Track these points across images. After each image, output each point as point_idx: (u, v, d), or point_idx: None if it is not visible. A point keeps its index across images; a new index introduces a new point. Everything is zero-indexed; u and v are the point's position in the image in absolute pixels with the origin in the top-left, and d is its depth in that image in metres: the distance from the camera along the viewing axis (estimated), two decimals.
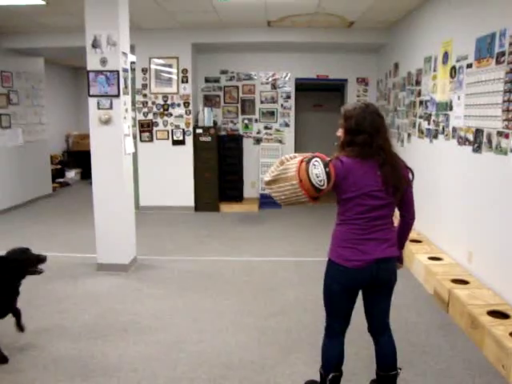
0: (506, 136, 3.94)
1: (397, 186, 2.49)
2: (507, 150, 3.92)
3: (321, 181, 2.36)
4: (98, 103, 5.02)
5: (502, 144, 4.00)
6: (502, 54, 4.00)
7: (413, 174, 2.61)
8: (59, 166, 11.33)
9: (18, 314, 3.53)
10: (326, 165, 2.38)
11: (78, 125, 12.65)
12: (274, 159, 8.59)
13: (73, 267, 5.32)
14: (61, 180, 11.13)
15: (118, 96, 4.99)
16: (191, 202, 8.26)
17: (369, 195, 2.46)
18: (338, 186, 2.47)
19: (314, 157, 2.42)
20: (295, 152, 8.91)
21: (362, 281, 2.56)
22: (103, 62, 4.97)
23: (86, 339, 3.67)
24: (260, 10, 6.54)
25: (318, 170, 2.36)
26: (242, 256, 5.79)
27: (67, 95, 12.39)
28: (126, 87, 5.17)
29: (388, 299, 2.70)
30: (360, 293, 2.66)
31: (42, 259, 3.46)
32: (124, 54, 5.10)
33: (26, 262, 3.38)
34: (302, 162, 2.40)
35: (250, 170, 8.91)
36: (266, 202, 8.55)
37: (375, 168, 2.47)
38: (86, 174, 11.95)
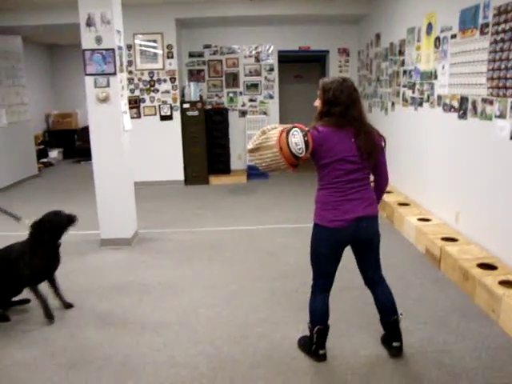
0: (491, 103, 4.21)
1: (370, 152, 2.75)
2: (492, 116, 4.20)
3: (300, 149, 2.60)
4: (95, 82, 5.10)
5: (487, 110, 4.28)
6: (486, 25, 4.24)
7: (385, 142, 2.88)
8: (42, 146, 11.27)
9: (55, 286, 3.84)
10: (304, 134, 2.63)
11: (57, 104, 12.54)
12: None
13: (76, 244, 5.44)
14: (44, 160, 11.09)
15: (114, 74, 5.08)
16: (181, 176, 8.43)
17: (344, 160, 2.71)
18: (315, 153, 2.73)
19: (293, 127, 2.66)
20: (279, 123, 9.11)
21: (346, 239, 2.83)
22: (98, 40, 5.04)
23: (104, 310, 3.87)
24: None
25: (296, 139, 2.60)
26: (238, 225, 6.02)
27: (44, 74, 12.22)
28: (121, 65, 5.25)
29: (375, 254, 3.00)
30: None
31: (72, 219, 3.73)
32: (118, 31, 5.17)
33: (58, 223, 3.66)
34: (282, 132, 2.64)
35: (236, 143, 9.09)
36: (253, 173, 8.78)
37: (350, 136, 2.72)
38: (69, 153, 11.96)
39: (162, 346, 3.30)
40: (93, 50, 5.04)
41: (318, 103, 2.83)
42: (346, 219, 2.75)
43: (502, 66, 4.01)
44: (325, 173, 2.79)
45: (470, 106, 4.58)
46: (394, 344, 3.06)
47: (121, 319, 3.70)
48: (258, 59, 8.98)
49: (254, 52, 8.96)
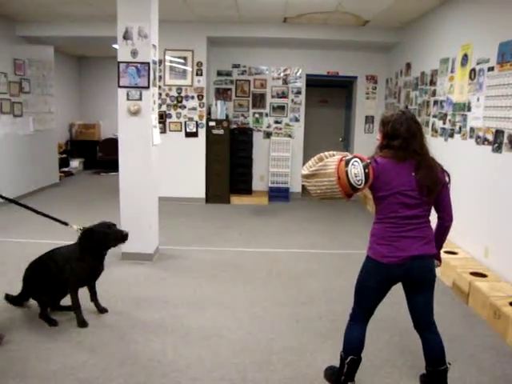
0: None
1: (430, 187, 2.64)
2: None
3: (359, 180, 2.54)
4: (128, 94, 5.11)
5: None
6: None
7: (449, 177, 2.77)
8: (64, 156, 11.36)
9: (94, 293, 3.96)
10: (365, 166, 2.56)
11: (81, 114, 12.68)
12: (284, 153, 8.80)
13: None
14: (65, 169, 11.17)
15: (148, 88, 5.09)
16: (202, 194, 8.40)
17: (402, 194, 2.62)
18: (373, 185, 2.65)
19: (354, 157, 2.60)
20: (303, 147, 9.11)
21: (397, 277, 2.73)
22: (134, 53, 5.06)
23: (124, 327, 3.79)
24: (280, 6, 6.67)
25: (356, 170, 2.54)
26: (260, 247, 5.95)
27: (71, 84, 12.38)
28: (154, 79, 5.28)
29: (428, 296, 2.83)
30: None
31: (124, 236, 3.82)
32: (154, 46, 5.20)
33: (110, 236, 3.74)
34: (341, 160, 2.58)
35: (259, 164, 9.06)
36: (274, 195, 8.75)
37: (410, 170, 2.63)
38: (89, 164, 12.05)
39: (184, 368, 3.22)
40: (128, 63, 5.07)
41: (379, 137, 2.79)
42: (399, 256, 2.65)
43: None
44: (382, 206, 2.71)
45: (505, 140, 4.51)
46: None
47: (143, 337, 3.62)
48: (285, 81, 9.01)
49: (282, 74, 8.99)
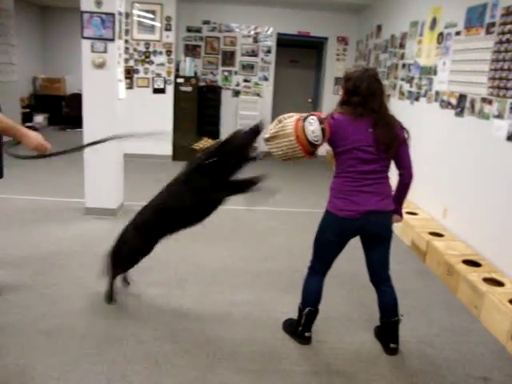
0: (490, 102, 4.23)
1: (388, 144, 2.70)
2: (489, 116, 4.22)
3: (316, 136, 2.57)
4: (92, 46, 4.97)
5: (485, 110, 4.29)
6: (493, 24, 4.24)
7: (408, 134, 2.82)
8: (27, 110, 11.01)
9: None
10: (321, 121, 2.59)
11: (46, 68, 12.23)
12: (252, 112, 8.74)
13: (60, 211, 5.36)
14: (29, 124, 10.81)
15: (113, 40, 4.96)
16: (169, 151, 8.33)
17: (359, 149, 2.68)
18: (330, 141, 2.71)
19: (310, 115, 2.62)
20: (272, 106, 9.08)
21: (353, 231, 2.82)
22: (98, 3, 4.90)
23: (90, 279, 3.80)
24: None
25: (313, 127, 2.56)
26: (227, 204, 5.96)
27: (34, 36, 11.85)
28: (120, 31, 5.13)
29: (383, 252, 2.94)
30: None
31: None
32: None
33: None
34: (298, 120, 2.61)
35: (227, 122, 9.01)
36: None
37: (367, 126, 2.68)
38: (55, 120, 11.71)
39: (145, 319, 3.28)
40: (92, 13, 4.90)
41: (341, 92, 2.82)
42: (355, 210, 2.72)
43: (505, 67, 4.02)
44: (340, 161, 2.77)
45: (468, 105, 4.60)
46: (392, 345, 3.02)
47: (102, 291, 3.65)
48: (256, 40, 8.89)
49: (252, 32, 8.86)
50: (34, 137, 2.71)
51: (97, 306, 3.39)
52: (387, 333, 3.05)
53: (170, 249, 4.46)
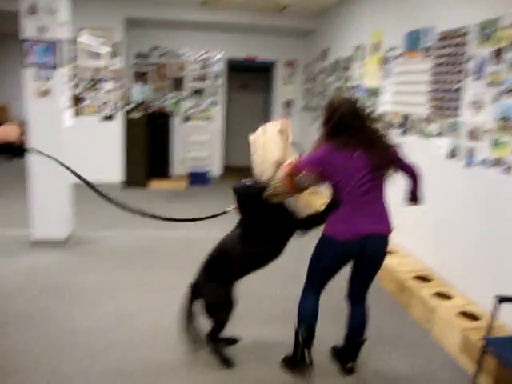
0: (430, 122, 4.39)
1: (379, 167, 2.73)
2: (430, 134, 4.37)
3: (308, 184, 2.79)
4: (36, 74, 4.87)
5: (427, 129, 4.45)
6: (429, 48, 4.43)
7: (399, 148, 2.91)
8: None
9: None
10: (306, 175, 2.72)
11: None
12: (203, 137, 8.76)
13: (4, 243, 5.16)
14: None
15: (57, 67, 4.87)
16: (120, 178, 8.18)
17: (352, 177, 2.69)
18: (322, 174, 2.74)
19: (294, 173, 2.72)
20: (223, 131, 9.12)
21: (350, 254, 2.83)
22: (41, 30, 4.82)
23: (33, 314, 3.66)
24: None
25: (306, 183, 2.76)
26: (178, 231, 5.91)
27: None
28: (65, 59, 5.05)
29: (372, 276, 2.97)
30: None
31: None
32: (64, 23, 4.97)
33: None
34: (285, 179, 2.75)
35: (178, 148, 8.97)
36: (194, 179, 8.72)
37: (357, 153, 2.69)
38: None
39: (95, 353, 3.16)
40: (35, 40, 4.81)
41: (323, 123, 2.83)
42: (353, 233, 2.73)
43: (443, 88, 4.19)
44: (334, 189, 2.81)
45: (410, 124, 4.75)
46: (349, 365, 3.04)
47: (52, 324, 3.51)
48: (205, 65, 8.93)
49: (201, 57, 8.90)
50: None
51: (48, 340, 3.25)
52: (349, 352, 3.05)
53: (120, 279, 4.39)
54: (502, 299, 2.62)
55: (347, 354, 3.06)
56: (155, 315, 3.72)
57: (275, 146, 2.87)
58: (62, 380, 2.85)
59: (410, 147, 4.67)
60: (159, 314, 3.75)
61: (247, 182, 2.96)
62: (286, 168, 2.77)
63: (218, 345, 3.14)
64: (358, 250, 2.78)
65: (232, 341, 3.32)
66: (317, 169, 2.71)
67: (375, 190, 2.78)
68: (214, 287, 3.05)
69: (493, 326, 2.68)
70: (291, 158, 2.84)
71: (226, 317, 3.04)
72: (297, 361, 3.00)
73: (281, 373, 3.03)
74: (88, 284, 4.26)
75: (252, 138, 2.99)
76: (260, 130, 2.98)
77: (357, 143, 2.69)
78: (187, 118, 9.03)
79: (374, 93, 5.66)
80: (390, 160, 2.80)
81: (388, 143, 2.83)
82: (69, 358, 3.08)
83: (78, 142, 7.80)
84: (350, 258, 2.88)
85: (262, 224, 2.97)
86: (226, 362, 3.07)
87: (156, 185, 8.40)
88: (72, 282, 4.28)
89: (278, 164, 2.81)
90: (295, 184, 2.74)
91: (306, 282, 3.00)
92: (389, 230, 2.85)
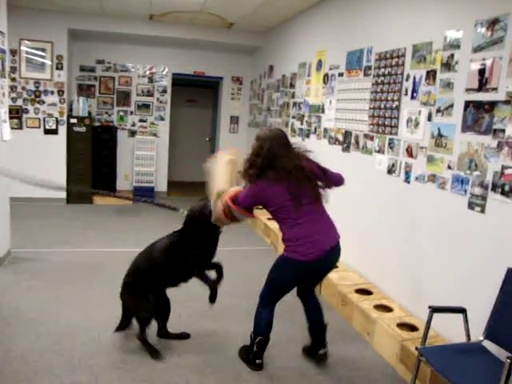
0: (371, 138, 4.54)
1: (306, 192, 2.98)
2: (372, 150, 4.52)
3: (242, 217, 3.09)
4: None
5: (368, 145, 4.60)
6: (369, 67, 4.60)
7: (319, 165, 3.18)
8: None
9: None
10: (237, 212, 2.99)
11: None
12: (149, 152, 8.68)
13: None
14: None
15: None
16: (63, 194, 7.95)
17: (289, 205, 2.93)
18: (260, 205, 3.05)
19: (228, 206, 2.96)
20: (169, 146, 9.07)
21: (315, 269, 3.07)
22: None
23: None
24: (145, 3, 6.58)
25: (237, 214, 3.01)
26: (122, 247, 5.81)
27: None
28: (3, 69, 4.90)
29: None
30: None
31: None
32: (1, 33, 4.83)
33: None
34: (224, 210, 2.99)
35: (123, 163, 8.85)
36: (139, 194, 8.60)
37: (285, 185, 2.92)
38: None
39: (31, 375, 3.04)
40: None
41: (250, 155, 3.03)
42: (320, 250, 2.94)
43: (382, 106, 4.35)
44: (282, 215, 2.99)
45: (353, 140, 4.90)
46: (321, 351, 3.32)
47: None
48: (151, 80, 8.88)
49: (148, 72, 8.85)
50: None
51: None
52: (317, 340, 3.33)
53: (61, 297, 4.26)
54: (435, 309, 2.73)
55: (316, 343, 3.34)
56: (96, 333, 3.62)
57: (222, 176, 3.10)
58: None
59: (352, 162, 4.86)
60: (100, 330, 3.66)
61: (203, 202, 3.27)
62: (226, 198, 2.97)
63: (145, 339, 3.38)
64: (322, 264, 3.03)
65: (185, 335, 3.65)
66: (253, 205, 3.04)
67: (317, 208, 3.05)
68: (134, 300, 3.41)
69: (427, 335, 2.77)
70: (234, 189, 3.05)
71: (147, 321, 3.37)
72: (249, 360, 3.26)
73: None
74: (26, 303, 4.09)
75: (205, 166, 3.21)
76: (212, 158, 3.22)
77: (285, 176, 2.91)
78: (133, 133, 8.92)
79: (317, 109, 5.79)
80: (317, 187, 3.07)
81: (308, 162, 3.07)
82: (2, 383, 2.95)
83: (20, 156, 7.57)
84: (314, 272, 3.13)
85: (197, 240, 3.26)
86: (154, 353, 3.33)
87: (101, 200, 8.23)
88: (8, 302, 4.10)
89: (218, 195, 3.01)
90: (231, 216, 3.01)
91: (263, 298, 3.20)
92: (339, 236, 3.14)
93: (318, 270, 3.09)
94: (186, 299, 4.08)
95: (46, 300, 4.20)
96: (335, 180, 3.28)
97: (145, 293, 3.37)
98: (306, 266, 2.95)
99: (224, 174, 3.13)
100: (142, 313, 3.38)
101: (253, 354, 3.22)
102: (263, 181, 2.94)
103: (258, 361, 3.22)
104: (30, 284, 4.53)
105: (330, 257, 3.02)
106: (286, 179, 2.91)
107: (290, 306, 3.61)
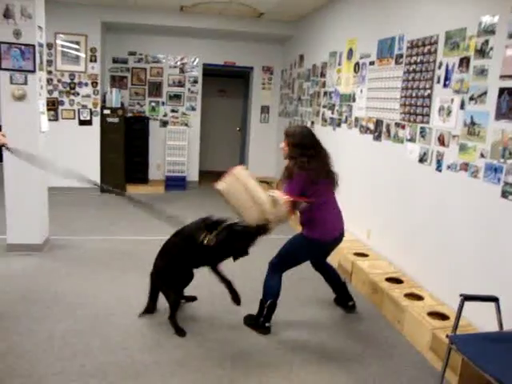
0: (403, 127, 4.51)
1: (330, 184, 3.60)
2: (403, 139, 4.49)
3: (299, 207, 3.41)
4: (11, 78, 4.86)
5: (399, 134, 4.57)
6: (401, 56, 4.56)
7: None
8: None
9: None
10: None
11: None
12: (180, 142, 8.78)
13: None
14: None
15: (33, 71, 4.87)
16: (98, 183, 8.14)
17: (322, 194, 3.47)
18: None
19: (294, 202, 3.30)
20: (200, 136, 9.17)
21: (326, 249, 3.73)
22: (17, 34, 4.81)
23: (9, 318, 3.65)
24: None
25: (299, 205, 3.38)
26: (155, 235, 5.90)
27: None
28: (41, 63, 5.05)
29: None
30: None
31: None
32: (40, 27, 4.97)
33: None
34: (290, 211, 3.27)
35: (155, 153, 8.97)
36: (171, 183, 8.74)
37: (324, 180, 3.53)
38: None
39: (71, 355, 3.17)
40: (10, 44, 4.80)
41: (284, 146, 3.54)
42: (338, 231, 3.58)
43: (413, 95, 4.31)
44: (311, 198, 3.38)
45: (384, 129, 4.87)
46: (350, 303, 3.97)
47: (27, 328, 3.50)
48: (182, 70, 8.97)
49: (179, 63, 8.94)
50: None
51: (23, 344, 3.25)
52: (342, 295, 4.00)
53: (97, 283, 4.40)
54: (467, 298, 2.73)
55: (343, 298, 4.00)
56: (132, 317, 3.74)
57: (257, 187, 3.27)
58: (37, 382, 2.86)
59: (383, 151, 4.84)
60: (134, 314, 3.77)
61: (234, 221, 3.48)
62: (286, 200, 3.23)
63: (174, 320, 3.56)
64: (331, 245, 3.64)
65: (191, 298, 4.03)
66: (301, 192, 3.34)
67: (334, 199, 3.62)
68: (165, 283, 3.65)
69: (459, 324, 2.77)
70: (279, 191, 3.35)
71: (177, 304, 3.64)
72: (259, 324, 3.55)
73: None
74: (65, 288, 4.25)
75: (222, 188, 3.31)
76: (228, 179, 3.32)
77: (323, 172, 3.43)
78: (165, 123, 9.05)
79: (348, 98, 5.77)
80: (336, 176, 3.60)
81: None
82: (44, 361, 3.09)
83: (56, 146, 7.78)
84: (324, 252, 3.80)
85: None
86: (180, 332, 3.50)
87: (134, 189, 8.39)
88: (49, 287, 4.26)
89: (274, 201, 3.22)
90: (294, 210, 3.34)
91: (274, 265, 3.59)
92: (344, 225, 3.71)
93: (327, 249, 3.74)
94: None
95: (82, 285, 4.35)
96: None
97: (175, 275, 3.62)
98: (319, 245, 3.52)
99: (256, 184, 3.31)
100: (171, 297, 3.58)
101: (263, 318, 3.51)
102: (306, 176, 3.34)
103: (267, 324, 3.52)
104: (67, 270, 4.69)
105: (338, 240, 3.63)
106: (320, 170, 3.40)
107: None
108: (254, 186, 3.26)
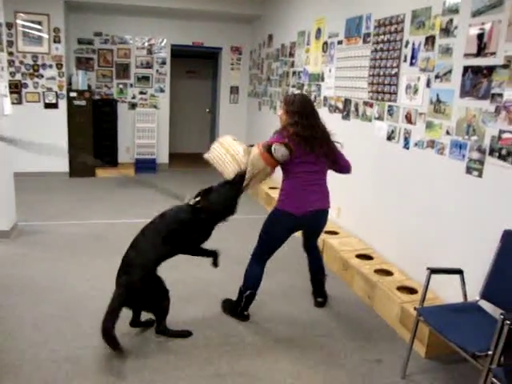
0: (371, 105, 4.56)
1: (325, 157, 3.39)
2: (371, 118, 4.54)
3: (284, 156, 3.14)
4: None
5: (367, 112, 4.62)
6: (368, 35, 4.58)
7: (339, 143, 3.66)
8: None
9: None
10: (285, 145, 3.12)
11: None
12: (150, 124, 8.67)
13: None
14: None
15: None
16: (66, 168, 8.00)
17: (304, 164, 3.28)
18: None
19: (270, 145, 3.13)
20: (170, 117, 9.08)
21: (299, 225, 3.43)
22: None
23: None
24: None
25: (280, 152, 3.11)
26: (126, 218, 5.89)
27: None
28: (0, 43, 4.89)
29: (317, 237, 3.77)
30: None
31: None
32: None
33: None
34: (263, 154, 3.12)
35: (124, 135, 8.85)
36: (141, 166, 8.67)
37: (303, 141, 3.25)
38: None
39: (43, 341, 3.15)
40: None
41: (281, 113, 3.39)
42: (306, 208, 3.28)
43: (381, 73, 4.35)
44: (289, 167, 3.28)
45: (352, 108, 4.91)
46: (319, 299, 3.80)
47: None
48: (150, 51, 8.82)
49: (146, 44, 8.78)
50: None
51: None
52: (317, 289, 3.81)
53: (68, 268, 4.36)
54: (433, 271, 2.81)
55: (317, 292, 3.82)
56: (104, 301, 3.72)
57: (237, 145, 3.27)
58: (8, 369, 2.83)
59: (352, 130, 4.89)
60: (107, 298, 3.75)
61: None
62: (260, 146, 3.16)
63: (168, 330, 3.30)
64: (309, 221, 3.36)
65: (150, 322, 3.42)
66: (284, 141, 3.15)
67: (319, 176, 3.39)
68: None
69: (426, 297, 2.85)
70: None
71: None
72: (237, 313, 3.53)
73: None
74: (35, 274, 4.20)
75: (208, 156, 3.36)
76: (213, 147, 3.36)
77: (311, 130, 3.25)
78: (133, 105, 8.91)
79: (317, 78, 5.79)
80: (333, 153, 3.42)
81: (332, 140, 3.45)
82: (16, 348, 3.06)
83: (21, 130, 7.54)
84: (299, 229, 3.51)
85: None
86: (186, 334, 3.31)
87: (103, 173, 8.28)
88: (17, 273, 4.20)
89: (247, 151, 3.20)
90: (272, 157, 3.11)
91: (255, 254, 3.48)
92: (329, 206, 3.49)
93: (305, 225, 3.47)
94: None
95: (55, 271, 4.30)
96: (342, 166, 3.57)
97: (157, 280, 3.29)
98: (291, 219, 3.28)
99: (237, 143, 3.29)
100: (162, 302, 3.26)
101: (241, 307, 3.49)
102: (296, 137, 3.19)
103: (245, 312, 3.51)
104: (38, 256, 4.63)
105: (317, 217, 3.41)
106: (307, 138, 3.20)
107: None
108: (235, 146, 3.26)
